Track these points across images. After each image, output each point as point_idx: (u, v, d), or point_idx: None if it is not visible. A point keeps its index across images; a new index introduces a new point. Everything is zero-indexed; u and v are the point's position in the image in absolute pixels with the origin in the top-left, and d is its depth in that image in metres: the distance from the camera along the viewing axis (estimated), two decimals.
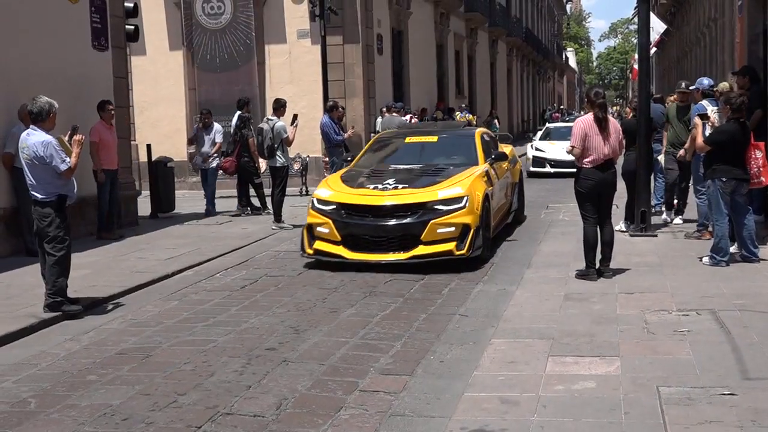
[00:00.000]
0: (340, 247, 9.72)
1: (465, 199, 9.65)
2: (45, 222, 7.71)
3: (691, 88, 11.78)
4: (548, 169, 21.85)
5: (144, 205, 14.99)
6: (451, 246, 9.45)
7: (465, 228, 9.52)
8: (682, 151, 11.10)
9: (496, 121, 34.40)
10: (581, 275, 8.56)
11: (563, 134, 22.49)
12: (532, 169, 21.98)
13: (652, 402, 4.94)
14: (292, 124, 13.67)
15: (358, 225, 9.70)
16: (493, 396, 5.20)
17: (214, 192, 15.54)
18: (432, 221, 9.48)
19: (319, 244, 9.87)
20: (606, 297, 7.69)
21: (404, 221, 9.59)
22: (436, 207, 9.59)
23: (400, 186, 10.00)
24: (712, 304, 7.19)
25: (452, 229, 9.49)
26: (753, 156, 8.82)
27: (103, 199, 12.29)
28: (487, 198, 10.15)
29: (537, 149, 22.87)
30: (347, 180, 10.61)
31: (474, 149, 11.47)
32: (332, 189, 10.27)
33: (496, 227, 11.07)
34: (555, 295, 7.88)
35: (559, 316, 7.09)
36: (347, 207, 9.84)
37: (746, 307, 7.06)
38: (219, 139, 15.48)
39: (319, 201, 10.08)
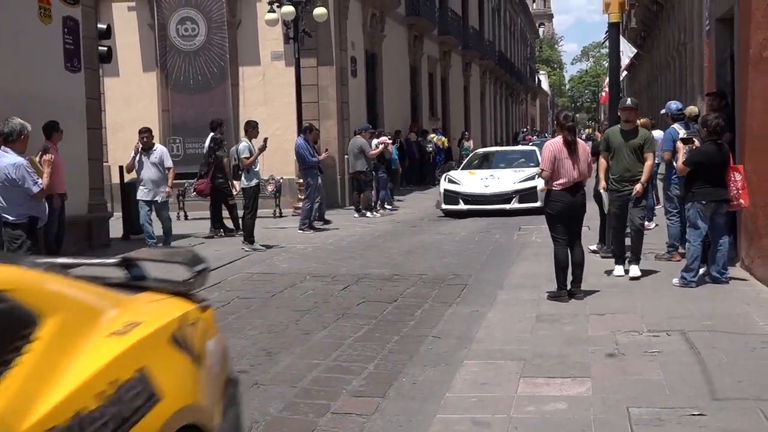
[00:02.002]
0: None
1: None
2: (15, 244, 7.67)
3: (662, 111, 11.88)
4: (461, 206, 17.71)
5: (116, 227, 14.89)
6: None
7: None
8: (639, 186, 9.28)
9: (468, 142, 34.53)
10: (553, 297, 8.61)
11: (497, 160, 20.50)
12: (444, 206, 18.06)
13: (623, 423, 4.97)
14: (262, 147, 13.46)
15: None
16: (465, 418, 5.21)
17: (170, 227, 13.36)
18: None
19: None
20: (577, 318, 7.74)
21: None
22: None
23: None
24: (682, 325, 7.25)
25: None
26: (732, 178, 8.91)
27: (52, 224, 11.18)
28: None
29: (450, 181, 18.46)
30: None
31: None
32: None
33: None
34: (527, 316, 7.91)
35: (531, 338, 7.12)
36: None
37: (715, 328, 7.12)
38: (168, 163, 13.12)
39: None
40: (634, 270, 9.47)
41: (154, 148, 13.08)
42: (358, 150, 18.22)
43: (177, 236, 14.47)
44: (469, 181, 18.25)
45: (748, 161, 9.30)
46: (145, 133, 13.13)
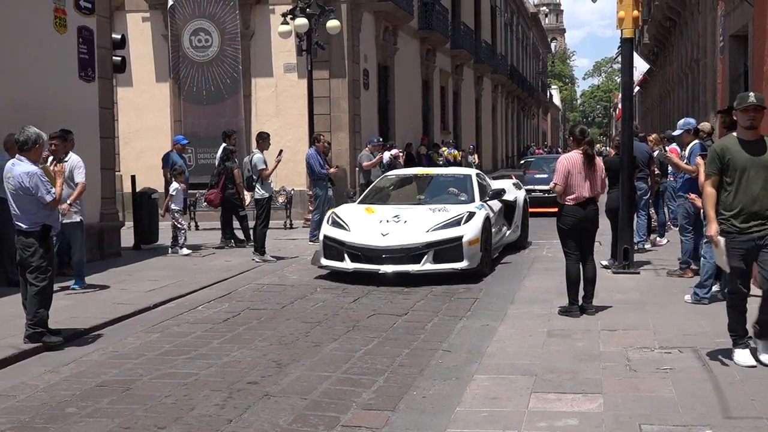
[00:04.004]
0: None
1: None
2: (28, 252, 7.67)
3: (677, 132, 11.46)
4: (346, 263, 11.21)
5: (127, 237, 14.92)
6: None
7: None
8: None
9: (473, 156, 34.28)
10: (564, 312, 8.57)
11: (416, 190, 13.59)
12: (323, 261, 11.53)
13: None
14: (277, 157, 13.54)
15: None
16: None
17: (83, 259, 10.68)
18: None
19: None
20: (589, 334, 7.70)
21: None
22: None
23: None
24: (694, 342, 7.21)
25: None
26: None
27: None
28: None
29: (335, 222, 11.76)
30: None
31: None
32: None
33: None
34: (538, 331, 7.89)
35: (542, 353, 7.09)
36: None
37: (728, 345, 7.07)
38: (79, 177, 10.31)
39: None
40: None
41: (66, 159, 10.22)
42: (360, 163, 18.24)
43: (189, 245, 14.42)
44: (361, 223, 11.56)
45: None
46: (55, 140, 10.20)
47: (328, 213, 12.40)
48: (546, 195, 20.01)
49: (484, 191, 12.76)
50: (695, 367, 6.47)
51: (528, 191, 19.63)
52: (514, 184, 15.06)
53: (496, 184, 13.81)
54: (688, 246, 10.59)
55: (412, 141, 27.21)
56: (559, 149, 63.19)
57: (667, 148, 12.70)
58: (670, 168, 11.99)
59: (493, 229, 11.97)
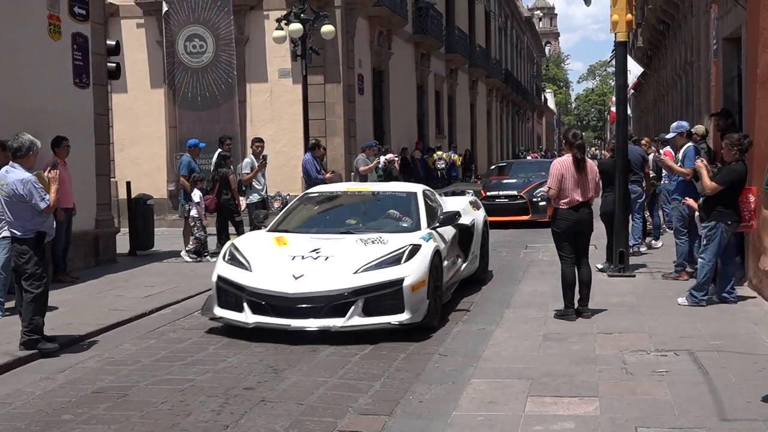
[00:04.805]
0: None
1: None
2: (23, 259, 7.66)
3: (670, 135, 11.60)
4: (245, 316, 8.29)
5: (123, 243, 14.91)
6: None
7: None
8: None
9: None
10: (560, 315, 8.58)
11: (347, 213, 10.37)
12: (216, 310, 8.58)
13: None
14: (261, 164, 13.76)
15: None
16: None
17: (7, 279, 9.00)
18: None
19: None
20: (585, 337, 7.71)
21: None
22: None
23: None
24: (690, 345, 7.22)
25: None
26: (746, 200, 8.87)
27: (59, 239, 11.28)
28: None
29: (232, 257, 8.85)
30: None
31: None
32: None
33: None
34: (534, 334, 7.89)
35: (539, 356, 7.10)
36: None
37: (724, 348, 7.10)
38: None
39: None
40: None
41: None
42: (356, 167, 18.23)
43: (179, 252, 14.38)
44: (267, 260, 8.66)
45: (757, 181, 9.27)
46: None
47: (227, 244, 9.37)
48: (512, 202, 19.20)
49: (433, 215, 9.81)
50: (691, 370, 6.47)
51: (490, 198, 18.84)
52: (471, 202, 11.82)
53: (450, 204, 10.90)
54: (683, 249, 10.61)
55: (408, 146, 27.24)
56: (555, 152, 63.19)
57: (661, 151, 12.75)
58: (664, 170, 12.04)
59: (445, 263, 9.11)
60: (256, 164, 14.01)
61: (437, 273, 8.72)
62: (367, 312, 8.02)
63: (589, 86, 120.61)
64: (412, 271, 8.17)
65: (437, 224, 9.47)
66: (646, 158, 13.21)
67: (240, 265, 8.63)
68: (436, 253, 8.70)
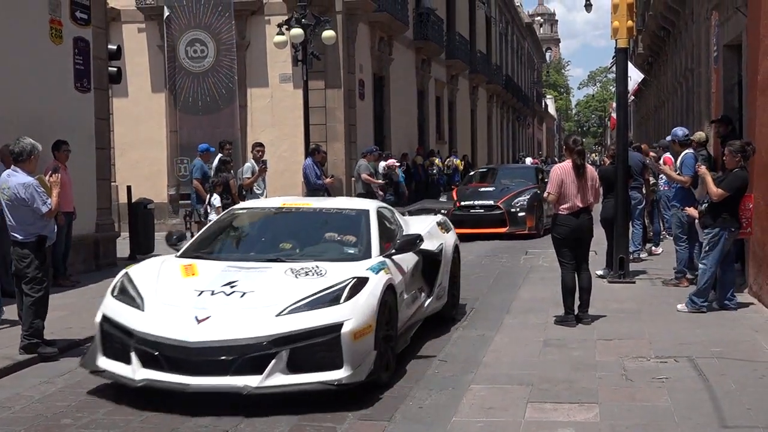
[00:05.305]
0: None
1: None
2: (24, 263, 7.67)
3: (667, 139, 11.76)
4: (131, 370, 6.24)
5: (123, 247, 14.91)
6: None
7: None
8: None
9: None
10: (560, 321, 8.58)
11: (281, 231, 8.27)
12: (99, 360, 6.58)
13: None
14: (261, 168, 13.90)
15: None
16: None
17: None
18: None
19: None
20: (585, 343, 7.70)
21: None
22: None
23: None
24: (690, 352, 7.22)
25: None
26: (745, 207, 8.88)
27: (59, 243, 11.09)
28: None
29: (122, 290, 6.90)
30: None
31: None
32: None
33: None
34: (534, 340, 7.89)
35: (539, 362, 7.09)
36: None
37: (724, 355, 7.09)
38: None
39: None
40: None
41: None
42: (358, 173, 18.18)
43: None
44: (165, 295, 6.73)
45: (757, 188, 9.28)
46: None
47: (121, 273, 7.25)
48: (488, 213, 17.84)
49: (389, 238, 8.03)
50: (691, 377, 6.47)
51: (464, 209, 17.61)
52: (439, 223, 9.59)
53: (413, 226, 8.94)
54: (683, 255, 10.61)
55: (408, 151, 27.24)
56: (555, 159, 63.20)
57: (662, 158, 12.76)
58: (662, 177, 12.06)
59: (403, 297, 7.45)
60: (257, 169, 14.06)
61: (389, 315, 6.83)
62: (293, 368, 6.03)
63: (589, 92, 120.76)
64: (353, 314, 6.25)
65: (393, 251, 7.56)
66: (646, 164, 13.22)
67: (130, 301, 6.66)
68: (389, 288, 6.83)
